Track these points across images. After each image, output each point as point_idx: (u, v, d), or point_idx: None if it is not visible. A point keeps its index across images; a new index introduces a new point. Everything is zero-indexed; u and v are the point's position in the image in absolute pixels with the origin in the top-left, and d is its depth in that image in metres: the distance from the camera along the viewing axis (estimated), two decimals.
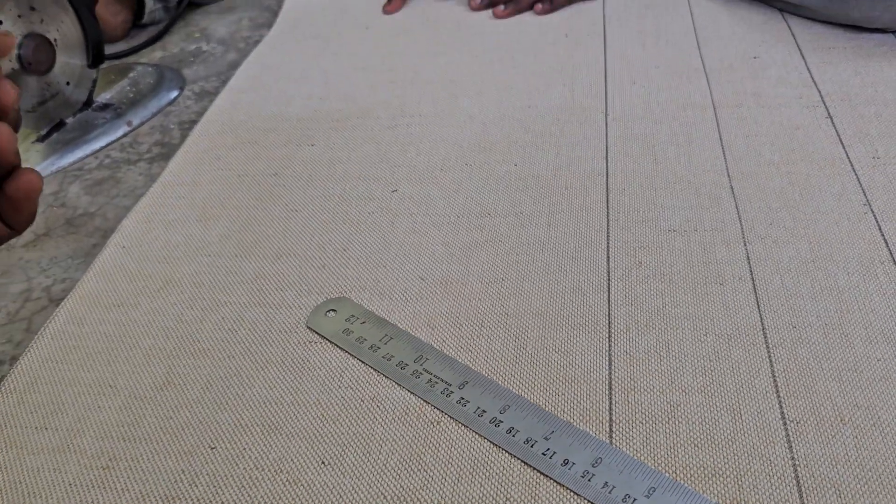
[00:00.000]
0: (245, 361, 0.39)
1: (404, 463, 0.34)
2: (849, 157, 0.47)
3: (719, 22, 0.64)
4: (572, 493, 0.32)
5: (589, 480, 0.32)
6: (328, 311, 0.41)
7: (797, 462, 0.32)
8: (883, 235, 0.42)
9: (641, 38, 0.62)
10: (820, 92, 0.53)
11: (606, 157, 0.50)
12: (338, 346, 0.39)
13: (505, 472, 0.33)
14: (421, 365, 0.38)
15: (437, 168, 0.50)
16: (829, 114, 0.51)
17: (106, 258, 0.46)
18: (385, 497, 0.32)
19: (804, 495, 0.31)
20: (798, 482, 0.31)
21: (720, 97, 0.54)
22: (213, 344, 0.40)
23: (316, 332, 0.40)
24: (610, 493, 0.32)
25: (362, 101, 0.58)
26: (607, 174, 0.48)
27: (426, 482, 0.33)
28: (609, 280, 0.41)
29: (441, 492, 0.32)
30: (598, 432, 0.34)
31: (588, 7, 0.69)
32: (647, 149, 0.50)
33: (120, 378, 0.39)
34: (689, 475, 0.32)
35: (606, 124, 0.52)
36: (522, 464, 0.33)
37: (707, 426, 0.34)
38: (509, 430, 0.34)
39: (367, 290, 0.42)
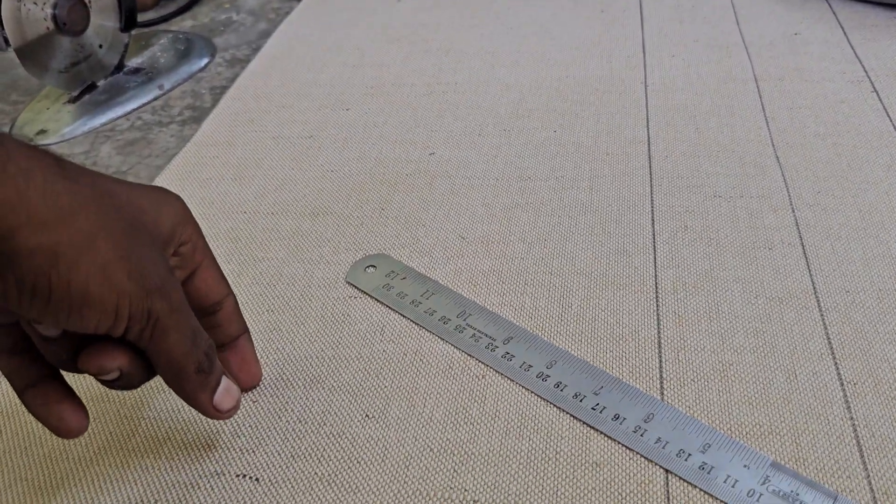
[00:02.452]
0: (284, 316, 0.38)
1: (450, 416, 0.33)
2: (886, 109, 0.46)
3: (757, 0, 0.63)
4: (624, 448, 0.31)
5: (641, 436, 0.31)
6: (368, 266, 0.41)
7: (856, 422, 0.31)
8: None
9: (679, 15, 0.62)
10: (864, 67, 0.52)
11: (647, 125, 0.49)
12: (378, 300, 0.39)
13: (554, 425, 0.32)
14: (464, 320, 0.37)
15: (474, 133, 0.50)
16: (874, 88, 0.50)
17: None
18: (431, 450, 0.32)
19: (865, 454, 0.30)
20: (858, 441, 0.30)
21: (762, 71, 0.53)
22: (251, 297, 0.39)
23: (355, 287, 0.40)
24: (664, 448, 0.31)
25: (396, 69, 0.58)
26: (649, 142, 0.47)
27: (473, 435, 0.32)
28: (655, 242, 0.40)
29: (489, 444, 0.32)
30: (648, 389, 0.33)
31: None
32: (688, 119, 0.49)
33: None
34: (744, 433, 0.31)
35: (646, 95, 0.52)
36: (571, 418, 0.32)
37: (761, 385, 0.33)
38: (557, 385, 0.34)
39: (407, 247, 0.42)
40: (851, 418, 0.31)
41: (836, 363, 0.34)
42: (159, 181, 0.48)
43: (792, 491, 0.29)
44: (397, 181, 0.46)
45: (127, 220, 0.26)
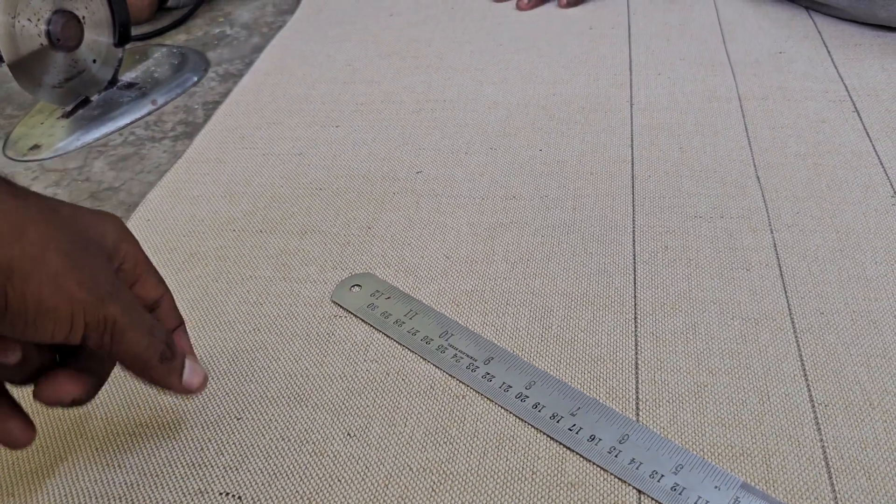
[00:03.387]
0: (270, 335, 0.39)
1: (430, 436, 0.34)
2: (876, 151, 0.47)
3: (745, 17, 0.64)
4: (599, 469, 0.32)
5: (616, 456, 0.32)
6: (353, 286, 0.41)
7: (826, 444, 0.32)
8: None
9: (666, 32, 0.63)
10: (846, 87, 0.53)
11: (632, 144, 0.50)
12: (363, 320, 0.39)
13: (531, 446, 0.33)
14: (446, 340, 0.38)
15: (461, 151, 0.50)
16: (855, 108, 0.51)
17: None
18: (411, 468, 0.32)
19: (833, 476, 0.31)
20: (827, 463, 0.31)
21: (746, 90, 0.54)
22: (238, 317, 0.40)
23: (341, 307, 0.40)
24: (637, 469, 0.32)
25: (387, 85, 0.58)
26: (632, 161, 0.48)
27: (452, 455, 0.33)
28: (635, 263, 0.41)
29: (467, 464, 0.32)
30: (624, 410, 0.34)
31: (612, 1, 0.69)
32: (672, 138, 0.50)
33: None
34: (716, 454, 0.32)
35: (631, 114, 0.52)
36: (548, 439, 0.33)
37: (734, 407, 0.34)
38: (535, 406, 0.34)
39: (392, 266, 0.42)
40: (821, 440, 0.32)
41: (808, 385, 0.34)
42: (150, 198, 0.49)
43: None
44: (384, 200, 0.47)
45: (74, 234, 0.27)
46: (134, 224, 0.47)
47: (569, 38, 0.63)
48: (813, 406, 0.33)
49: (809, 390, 0.34)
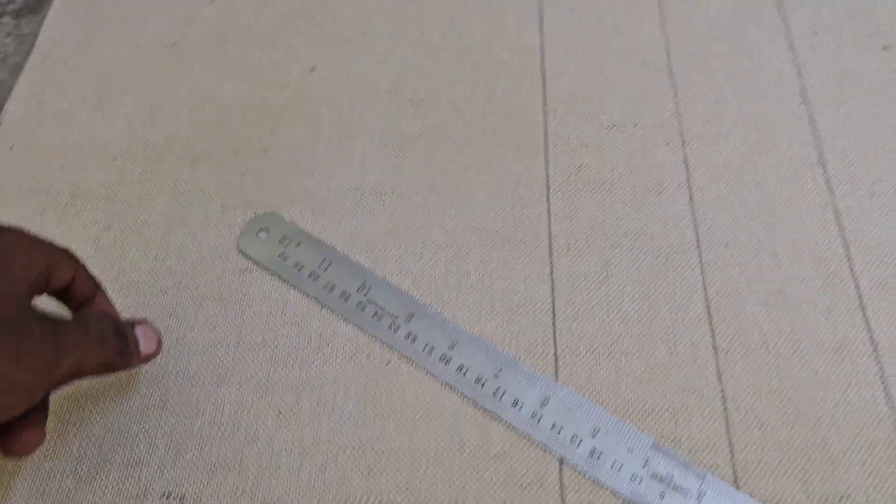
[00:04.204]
0: (180, 297, 0.37)
1: (360, 410, 0.35)
2: (788, 31, 0.45)
3: None
4: (523, 437, 0.34)
5: (538, 422, 0.34)
6: (259, 230, 0.39)
7: (726, 395, 0.35)
8: (814, 132, 0.42)
9: None
10: None
11: (541, 26, 0.46)
12: (275, 273, 0.38)
13: (458, 414, 0.34)
14: (365, 295, 0.37)
15: (357, 33, 0.45)
16: None
17: None
18: (345, 450, 0.34)
19: (730, 429, 0.34)
20: (726, 416, 0.34)
21: None
22: (141, 276, 0.38)
23: (250, 258, 0.38)
24: (559, 433, 0.34)
25: None
26: (542, 49, 0.45)
27: (384, 431, 0.34)
28: (548, 188, 0.40)
29: (399, 441, 0.34)
30: (544, 367, 0.36)
31: None
32: (585, 16, 0.46)
33: None
34: (629, 412, 0.34)
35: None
36: (474, 405, 0.35)
37: (645, 359, 0.36)
38: (459, 368, 0.35)
39: (298, 203, 0.40)
40: (722, 391, 0.35)
41: (712, 329, 0.36)
42: (8, 116, 0.43)
43: (668, 473, 0.33)
44: (278, 109, 0.43)
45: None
46: None
47: None
48: (715, 353, 0.36)
49: (713, 336, 0.36)
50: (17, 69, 0.45)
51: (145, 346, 0.32)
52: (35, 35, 0.46)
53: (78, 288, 0.31)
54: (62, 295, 0.31)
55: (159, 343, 0.32)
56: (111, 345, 0.30)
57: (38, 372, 0.26)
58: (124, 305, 0.37)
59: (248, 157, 0.41)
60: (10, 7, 0.48)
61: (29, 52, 0.45)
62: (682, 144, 0.42)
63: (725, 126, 0.42)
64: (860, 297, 0.37)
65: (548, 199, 0.40)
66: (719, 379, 0.35)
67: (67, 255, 0.31)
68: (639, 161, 0.41)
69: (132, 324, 0.32)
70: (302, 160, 0.41)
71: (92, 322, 0.29)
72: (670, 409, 0.35)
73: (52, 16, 0.47)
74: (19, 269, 0.28)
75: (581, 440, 0.34)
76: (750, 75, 0.44)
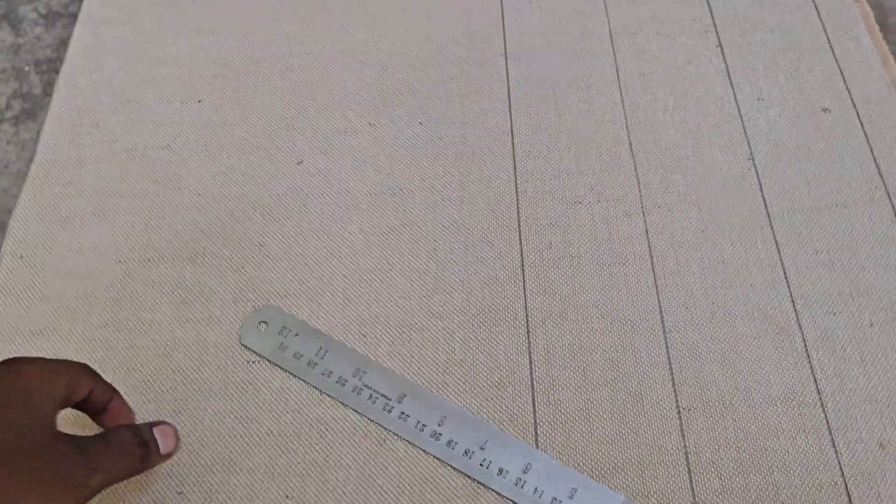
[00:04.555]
0: (188, 391, 0.41)
1: (360, 488, 0.38)
2: (736, 100, 0.49)
3: None
4: (510, 502, 0.38)
5: (522, 487, 0.38)
6: (259, 323, 0.43)
7: (688, 450, 0.39)
8: (763, 196, 0.46)
9: None
10: (712, 12, 0.53)
11: (510, 108, 0.49)
12: (276, 364, 0.41)
13: (450, 486, 0.38)
14: (360, 379, 0.41)
15: (340, 131, 0.49)
16: (719, 42, 0.52)
17: (6, 273, 0.44)
18: None
19: (693, 481, 0.38)
20: (689, 469, 0.38)
21: (616, 22, 0.53)
22: (151, 374, 0.41)
23: (252, 351, 0.42)
24: (540, 497, 0.38)
25: (245, 35, 0.53)
26: (512, 133, 0.48)
27: None
28: (523, 266, 0.44)
29: None
30: (525, 436, 0.39)
31: None
32: (548, 96, 0.50)
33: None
34: (603, 471, 0.38)
35: (506, 63, 0.51)
36: (465, 476, 0.38)
37: (615, 421, 0.39)
38: (449, 443, 0.39)
39: (293, 294, 0.43)
40: (685, 446, 0.39)
41: (675, 389, 0.40)
42: (14, 225, 0.46)
43: None
44: (271, 204, 0.46)
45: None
46: (8, 265, 0.45)
47: None
48: (678, 412, 0.40)
49: (676, 396, 0.40)
50: (21, 176, 0.48)
51: (165, 446, 0.35)
52: (34, 141, 0.50)
53: (96, 398, 0.34)
54: (81, 405, 0.34)
55: (178, 439, 0.36)
56: (135, 455, 0.33)
57: (72, 493, 0.30)
58: (136, 402, 0.40)
59: (245, 253, 0.45)
60: (9, 114, 0.51)
61: (30, 158, 0.49)
62: (643, 215, 0.45)
63: (680, 196, 0.46)
64: (806, 349, 0.41)
65: (523, 277, 0.44)
66: (682, 435, 0.39)
67: (84, 371, 0.34)
68: (603, 234, 0.45)
69: (150, 426, 0.35)
70: (295, 252, 0.45)
71: (115, 438, 0.33)
72: (639, 466, 0.38)
73: (50, 122, 0.50)
74: (43, 400, 0.31)
75: (560, 501, 0.37)
76: (703, 143, 0.48)
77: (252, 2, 0.55)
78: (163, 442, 0.35)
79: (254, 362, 0.42)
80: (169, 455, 0.36)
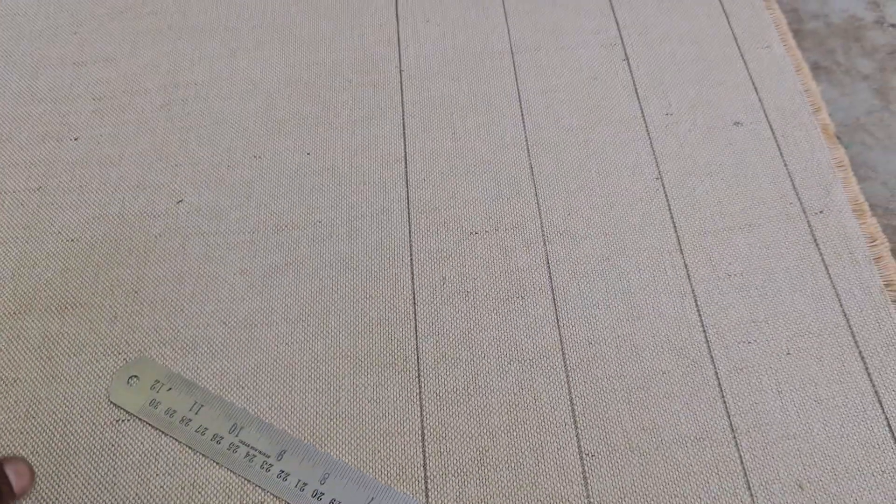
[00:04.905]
0: (50, 456, 0.37)
1: None
2: (644, 116, 0.47)
3: None
4: None
5: None
6: (130, 377, 0.39)
7: (591, 499, 0.36)
8: (672, 217, 0.43)
9: None
10: (618, 22, 0.51)
11: (404, 133, 0.47)
12: (147, 422, 0.38)
13: None
14: (236, 436, 0.38)
15: (222, 165, 0.46)
16: (626, 55, 0.49)
17: None
18: None
19: None
20: None
21: (518, 37, 0.50)
22: (10, 437, 0.38)
23: (121, 408, 0.39)
24: None
25: (125, 64, 0.50)
26: (406, 160, 0.46)
27: None
28: (415, 305, 0.41)
29: None
30: (415, 491, 0.36)
31: None
32: (445, 118, 0.47)
33: None
34: None
35: (402, 85, 0.49)
36: None
37: (513, 471, 0.36)
38: (332, 502, 0.36)
39: (168, 344, 0.40)
40: (587, 495, 0.36)
41: (577, 433, 0.37)
42: None
43: None
44: (147, 247, 0.43)
45: None
46: None
47: None
48: (581, 458, 0.37)
49: (579, 440, 0.37)
50: None
51: (18, 485, 0.35)
52: None
53: None
54: None
55: (32, 474, 0.36)
56: None
57: None
58: None
59: (118, 301, 0.41)
60: None
61: None
62: (544, 244, 0.42)
63: (584, 221, 0.43)
64: (719, 383, 0.38)
65: (415, 316, 0.41)
66: (585, 483, 0.36)
67: None
68: (499, 266, 0.42)
69: (2, 465, 0.34)
70: (171, 298, 0.41)
71: None
72: None
73: None
74: None
75: None
76: (608, 164, 0.45)
77: (134, 30, 0.52)
78: (16, 480, 0.35)
79: (123, 420, 0.38)
80: (24, 492, 0.35)
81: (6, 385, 0.39)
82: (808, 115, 0.46)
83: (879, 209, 0.44)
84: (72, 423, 0.38)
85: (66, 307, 0.41)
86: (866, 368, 0.38)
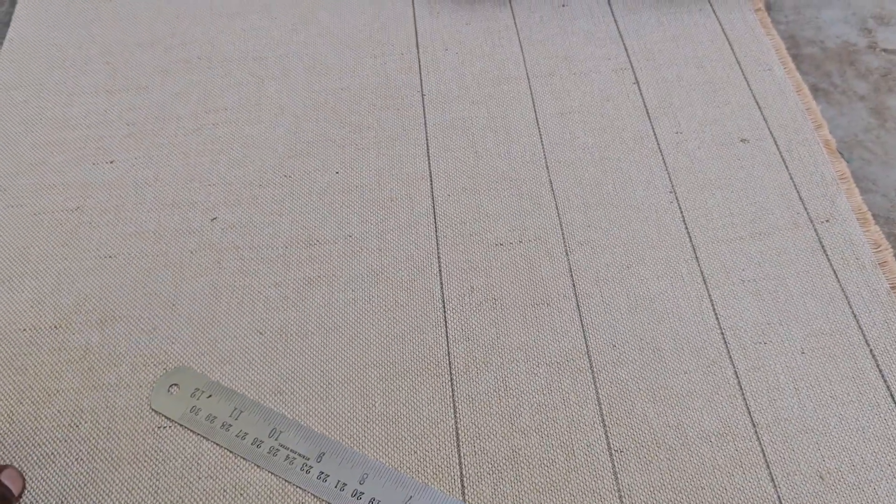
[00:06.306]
0: (96, 462, 0.38)
1: None
2: (655, 134, 0.49)
3: None
4: None
5: None
6: (170, 386, 0.41)
7: (622, 493, 0.37)
8: (686, 228, 0.45)
9: None
10: (626, 49, 0.54)
11: (428, 153, 0.49)
12: (188, 428, 0.39)
13: None
14: (276, 440, 0.39)
15: (254, 184, 0.48)
16: (636, 79, 0.52)
17: None
18: None
19: None
20: None
21: (533, 64, 0.53)
22: (56, 446, 0.39)
23: (163, 416, 0.40)
24: None
25: (157, 92, 0.52)
26: (431, 177, 0.48)
27: None
28: (445, 313, 0.43)
29: None
30: (451, 489, 0.37)
31: None
32: (466, 139, 0.49)
33: None
34: None
35: (424, 108, 0.51)
36: None
37: (545, 468, 0.38)
38: (371, 501, 0.37)
39: (206, 354, 0.42)
40: (618, 490, 0.37)
41: (606, 431, 0.39)
42: None
43: None
44: (182, 262, 0.45)
45: None
46: None
47: (349, 2, 0.59)
48: (610, 454, 0.38)
49: (607, 437, 0.39)
50: None
51: (15, 489, 0.36)
52: None
53: None
54: None
55: (22, 480, 0.37)
56: None
57: None
58: (39, 478, 0.38)
59: (156, 314, 0.43)
60: None
61: None
62: (566, 254, 0.44)
63: (604, 232, 0.45)
64: (739, 381, 0.40)
65: (445, 323, 0.42)
66: (615, 479, 0.37)
67: None
68: (525, 276, 0.44)
69: None
70: (208, 311, 0.43)
71: None
72: None
73: None
74: None
75: None
76: (624, 179, 0.47)
77: (164, 60, 0.54)
78: (14, 486, 0.36)
79: (165, 427, 0.39)
80: (19, 496, 0.36)
81: (49, 395, 0.40)
82: (810, 131, 0.49)
83: (881, 219, 0.46)
84: (115, 431, 0.39)
85: (105, 321, 0.43)
86: (878, 366, 0.40)
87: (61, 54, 0.55)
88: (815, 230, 0.45)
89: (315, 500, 0.37)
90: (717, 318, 0.42)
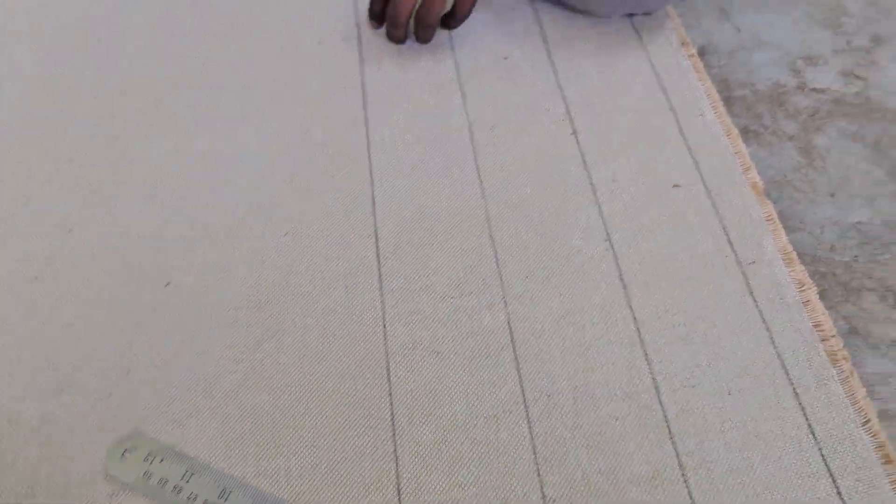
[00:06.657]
0: None
1: None
2: (592, 184, 0.51)
3: (474, 19, 0.62)
4: None
5: None
6: (124, 451, 0.42)
7: None
8: (620, 275, 0.47)
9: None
10: (565, 100, 0.55)
11: (374, 213, 0.51)
12: (141, 493, 0.41)
13: None
14: (225, 500, 0.41)
15: (206, 245, 0.50)
16: (573, 129, 0.54)
17: None
18: None
19: None
20: None
21: (475, 116, 0.55)
22: None
23: (117, 481, 0.41)
24: None
25: (116, 158, 0.54)
26: (377, 233, 0.49)
27: None
28: (388, 367, 0.44)
29: None
30: None
31: (341, 5, 0.65)
32: (410, 190, 0.51)
33: None
34: None
35: (370, 157, 0.53)
36: None
37: None
38: None
39: (161, 417, 0.43)
40: None
41: (540, 480, 0.40)
42: None
43: None
44: (140, 326, 0.46)
45: None
46: None
47: (297, 59, 0.60)
48: (544, 502, 0.40)
49: (541, 486, 0.40)
50: None
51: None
52: None
53: None
54: None
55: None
56: None
57: None
58: None
59: (112, 380, 0.45)
60: None
61: None
62: (505, 306, 0.46)
63: (541, 283, 0.47)
64: (668, 425, 0.42)
65: (388, 378, 0.44)
66: None
67: None
68: (466, 328, 0.45)
69: None
70: (163, 374, 0.45)
71: None
72: None
73: None
74: None
75: None
76: (561, 229, 0.49)
77: (123, 124, 0.57)
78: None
79: (118, 494, 0.41)
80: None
81: (5, 467, 0.42)
82: (738, 174, 0.51)
83: (808, 256, 0.48)
84: (70, 499, 0.41)
85: (62, 389, 0.44)
86: (800, 404, 0.42)
87: (16, 95, 0.57)
88: (743, 272, 0.47)
89: None
90: (648, 363, 0.44)
